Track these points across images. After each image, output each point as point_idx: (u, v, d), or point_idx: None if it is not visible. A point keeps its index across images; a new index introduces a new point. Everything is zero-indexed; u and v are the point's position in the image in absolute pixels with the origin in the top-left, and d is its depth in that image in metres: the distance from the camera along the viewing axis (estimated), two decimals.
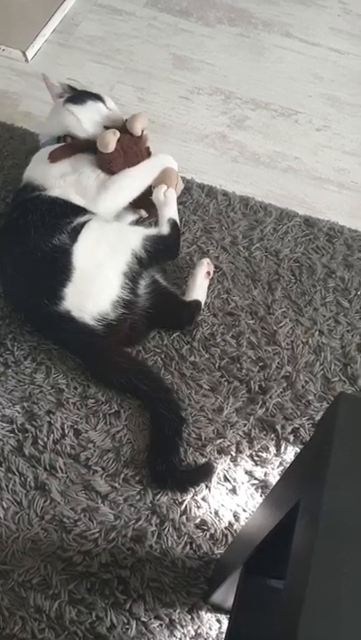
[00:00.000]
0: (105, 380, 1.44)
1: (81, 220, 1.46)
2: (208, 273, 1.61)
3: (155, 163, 1.61)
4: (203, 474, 1.33)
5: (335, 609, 0.56)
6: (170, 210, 1.54)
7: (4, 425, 1.37)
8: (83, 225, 1.45)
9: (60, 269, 1.40)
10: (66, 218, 1.45)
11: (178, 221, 1.56)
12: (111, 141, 1.52)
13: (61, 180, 1.53)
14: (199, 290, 1.57)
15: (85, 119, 1.61)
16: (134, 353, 1.50)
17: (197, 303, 1.55)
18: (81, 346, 1.43)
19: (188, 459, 1.36)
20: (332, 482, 0.62)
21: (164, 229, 1.52)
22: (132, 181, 1.57)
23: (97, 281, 1.41)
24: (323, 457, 0.64)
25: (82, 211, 1.49)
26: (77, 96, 1.66)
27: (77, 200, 1.51)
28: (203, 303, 1.57)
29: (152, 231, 1.52)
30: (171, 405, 1.38)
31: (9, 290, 1.54)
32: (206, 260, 1.62)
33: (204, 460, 1.36)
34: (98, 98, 1.66)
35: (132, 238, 1.47)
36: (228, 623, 1.03)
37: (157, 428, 1.37)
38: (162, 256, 1.53)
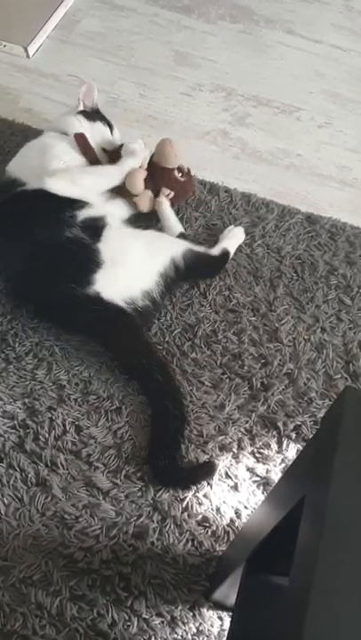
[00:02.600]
0: (124, 359, 1.45)
1: (85, 212, 1.48)
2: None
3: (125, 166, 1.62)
4: (205, 472, 1.33)
5: (341, 607, 0.55)
6: (232, 244, 1.66)
7: (6, 421, 1.37)
8: (93, 220, 1.48)
9: (85, 259, 1.43)
10: (64, 211, 1.47)
11: (231, 255, 1.65)
12: (139, 183, 1.60)
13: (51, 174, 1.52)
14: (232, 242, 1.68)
15: (88, 134, 1.63)
16: None
17: (227, 252, 1.64)
18: (108, 324, 1.43)
19: (189, 455, 1.35)
20: (337, 478, 0.61)
21: (216, 251, 1.61)
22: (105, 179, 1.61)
23: (130, 270, 1.46)
24: (328, 452, 0.64)
25: (75, 202, 1.49)
26: (91, 113, 1.70)
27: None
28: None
29: (199, 247, 1.59)
30: (176, 402, 1.38)
31: (13, 284, 1.54)
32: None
33: (205, 456, 1.35)
34: (108, 124, 1.72)
35: (173, 246, 1.54)
36: (231, 620, 1.02)
37: (160, 425, 1.36)
38: (200, 271, 1.60)
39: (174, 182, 1.65)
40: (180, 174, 1.66)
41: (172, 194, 1.66)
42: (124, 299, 1.43)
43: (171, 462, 1.32)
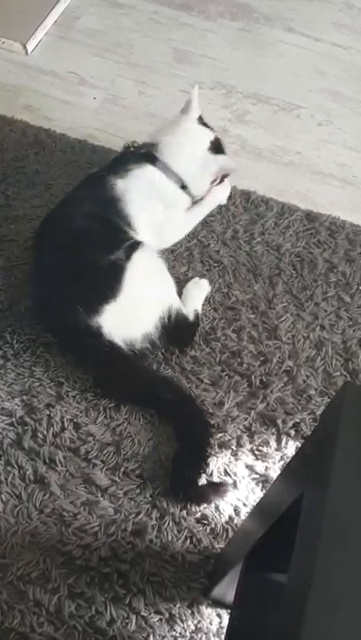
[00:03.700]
0: (123, 396, 1.40)
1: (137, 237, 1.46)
2: None
3: (214, 201, 1.71)
4: (216, 492, 1.30)
5: (340, 604, 0.55)
6: (198, 301, 1.56)
7: (4, 418, 1.36)
8: (137, 243, 1.44)
9: (108, 286, 1.37)
10: (125, 237, 1.45)
11: (199, 315, 1.55)
12: None
13: (149, 232, 1.52)
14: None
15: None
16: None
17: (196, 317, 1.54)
18: (101, 362, 1.38)
19: None
20: (337, 473, 0.61)
21: (191, 316, 1.52)
22: (195, 219, 1.67)
23: (138, 309, 1.41)
24: (328, 448, 0.63)
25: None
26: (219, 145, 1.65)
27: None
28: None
29: (185, 310, 1.50)
30: (196, 411, 1.37)
31: (44, 293, 1.46)
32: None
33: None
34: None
35: (174, 299, 1.47)
36: (230, 616, 1.02)
37: (185, 439, 1.34)
38: (179, 334, 1.48)
39: None
40: None
41: None
42: (125, 340, 1.37)
43: (193, 478, 1.30)
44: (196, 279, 1.60)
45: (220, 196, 1.74)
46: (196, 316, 1.53)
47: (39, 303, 1.48)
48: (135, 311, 1.40)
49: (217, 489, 1.31)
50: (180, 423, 1.37)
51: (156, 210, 1.53)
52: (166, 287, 1.47)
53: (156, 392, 1.38)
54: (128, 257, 1.40)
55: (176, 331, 1.46)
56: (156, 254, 1.49)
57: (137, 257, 1.40)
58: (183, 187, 1.57)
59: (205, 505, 1.29)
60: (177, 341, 1.49)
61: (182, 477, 1.29)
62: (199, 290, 1.58)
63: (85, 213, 1.45)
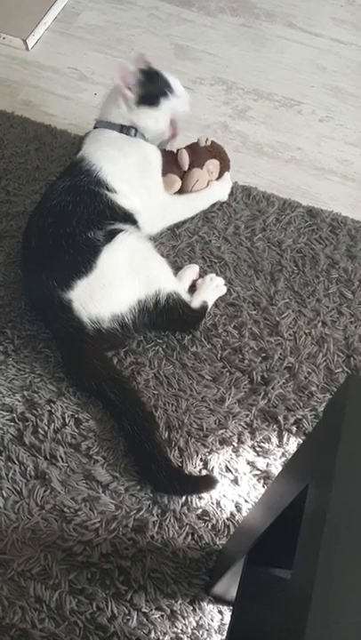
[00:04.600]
0: (77, 379, 1.41)
1: (122, 226, 1.45)
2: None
3: (212, 195, 1.72)
4: (204, 485, 1.30)
5: (345, 599, 0.54)
6: (210, 296, 1.56)
7: (5, 414, 1.36)
8: (120, 230, 1.44)
9: (82, 262, 1.38)
10: (112, 220, 1.45)
11: (208, 309, 1.55)
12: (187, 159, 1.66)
13: (129, 188, 1.53)
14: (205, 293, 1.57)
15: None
16: (134, 344, 1.49)
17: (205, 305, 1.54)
18: (66, 338, 1.40)
19: (189, 449, 1.34)
20: (341, 467, 0.60)
21: (195, 303, 1.51)
22: (190, 209, 1.70)
23: (109, 288, 1.40)
24: (332, 442, 0.63)
25: (129, 219, 1.50)
26: (149, 98, 1.61)
27: (132, 209, 1.52)
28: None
29: (186, 296, 1.50)
30: (135, 418, 1.32)
31: (29, 269, 1.49)
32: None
33: (205, 450, 1.35)
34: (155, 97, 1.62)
35: (168, 283, 1.45)
36: (232, 613, 1.02)
37: (128, 441, 1.33)
38: (175, 320, 1.47)
39: (216, 150, 1.71)
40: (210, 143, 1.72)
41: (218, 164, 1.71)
42: (90, 318, 1.37)
43: (164, 471, 1.28)
44: (214, 276, 1.60)
45: (220, 192, 1.73)
46: (203, 307, 1.53)
47: (26, 284, 1.52)
48: (106, 290, 1.39)
49: (206, 481, 1.30)
50: (122, 425, 1.34)
51: (127, 163, 1.55)
52: (153, 272, 1.45)
53: (102, 388, 1.36)
54: (110, 238, 1.41)
55: (172, 315, 1.45)
56: (142, 239, 1.48)
57: (119, 239, 1.41)
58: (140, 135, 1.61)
59: (196, 496, 1.28)
60: (174, 326, 1.50)
61: (157, 478, 1.28)
62: (216, 287, 1.58)
63: (61, 190, 1.49)
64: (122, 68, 1.56)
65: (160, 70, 1.62)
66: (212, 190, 1.71)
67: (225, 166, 1.74)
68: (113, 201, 1.49)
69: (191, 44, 2.21)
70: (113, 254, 1.40)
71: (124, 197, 1.51)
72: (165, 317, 1.45)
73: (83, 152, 1.57)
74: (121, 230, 1.43)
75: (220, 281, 1.59)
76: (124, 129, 1.59)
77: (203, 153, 1.69)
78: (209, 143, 1.72)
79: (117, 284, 1.40)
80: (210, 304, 1.55)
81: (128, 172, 1.54)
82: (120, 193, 1.51)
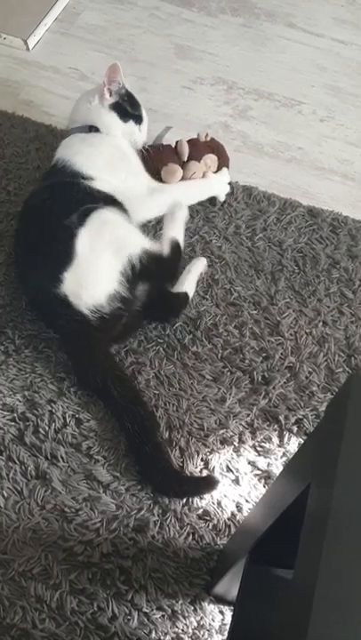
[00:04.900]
0: (82, 376, 1.40)
1: (98, 206, 1.45)
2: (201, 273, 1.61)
3: (208, 186, 1.71)
4: (205, 486, 1.30)
5: (347, 598, 0.54)
6: (175, 229, 1.55)
7: (5, 413, 1.36)
8: (92, 209, 1.43)
9: (63, 251, 1.39)
10: (91, 204, 1.45)
11: (181, 243, 1.55)
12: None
13: (106, 172, 1.54)
14: (191, 284, 1.56)
15: (119, 134, 1.65)
16: (135, 343, 1.49)
17: (186, 296, 1.53)
18: (71, 335, 1.40)
19: (190, 449, 1.34)
20: (343, 466, 0.60)
21: (165, 249, 1.51)
22: (184, 194, 1.67)
23: (94, 271, 1.39)
24: (335, 440, 0.63)
25: (110, 201, 1.50)
26: (122, 108, 1.65)
27: (118, 195, 1.53)
28: (191, 297, 1.55)
29: (155, 247, 1.49)
30: (137, 417, 1.32)
31: (21, 272, 1.52)
32: (205, 261, 1.61)
33: (206, 450, 1.34)
34: (137, 117, 1.68)
35: (133, 245, 1.45)
36: (233, 613, 1.02)
37: (129, 441, 1.33)
38: (154, 276, 1.47)
39: (215, 145, 1.74)
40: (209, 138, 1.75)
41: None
42: (89, 307, 1.36)
43: (165, 473, 1.28)
44: (171, 210, 1.60)
45: (217, 185, 1.73)
46: (175, 246, 1.52)
47: (23, 287, 1.53)
48: (91, 274, 1.39)
49: (207, 482, 1.30)
50: (124, 424, 1.33)
51: (99, 152, 1.58)
52: (118, 240, 1.44)
53: (106, 386, 1.35)
54: (82, 221, 1.41)
55: (154, 270, 1.45)
56: (114, 212, 1.47)
57: (91, 218, 1.41)
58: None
59: (196, 497, 1.28)
60: (161, 278, 1.51)
61: (156, 480, 1.29)
62: (172, 218, 1.57)
63: (38, 191, 1.54)
64: (114, 70, 1.60)
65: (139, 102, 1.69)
66: (209, 182, 1.72)
67: (223, 162, 1.76)
68: (91, 187, 1.50)
69: (192, 44, 2.21)
70: (86, 235, 1.40)
71: (104, 182, 1.52)
72: (147, 277, 1.44)
73: (56, 156, 1.61)
74: (93, 209, 1.43)
75: (176, 210, 1.59)
76: (93, 129, 1.62)
77: (201, 147, 1.72)
78: (209, 139, 1.74)
79: (98, 263, 1.40)
80: (180, 238, 1.56)
81: (102, 159, 1.57)
82: (97, 179, 1.52)
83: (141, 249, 1.44)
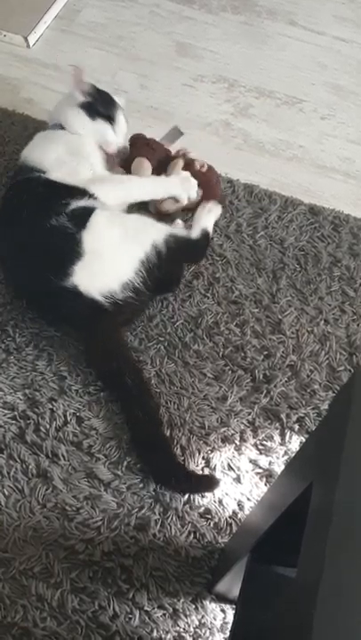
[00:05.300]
0: (96, 361, 1.42)
1: (80, 203, 1.44)
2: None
3: (165, 184, 1.64)
4: (206, 485, 1.30)
5: (351, 597, 0.54)
6: (208, 221, 1.56)
7: (6, 412, 1.35)
8: (84, 209, 1.43)
9: (66, 249, 1.39)
10: (61, 199, 1.44)
11: (210, 233, 1.57)
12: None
13: (55, 166, 1.53)
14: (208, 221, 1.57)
15: (86, 133, 1.63)
16: (136, 341, 1.48)
17: (206, 232, 1.55)
18: (85, 319, 1.40)
19: (191, 447, 1.34)
20: (346, 464, 0.60)
21: (195, 233, 1.52)
22: (133, 188, 1.62)
23: (108, 261, 1.41)
24: (337, 439, 0.63)
25: (79, 193, 1.48)
26: (92, 107, 1.63)
27: (77, 183, 1.51)
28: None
29: (181, 231, 1.52)
30: (146, 408, 1.34)
31: (10, 273, 1.53)
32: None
33: (208, 448, 1.34)
34: (110, 117, 1.65)
35: (155, 231, 1.47)
36: (235, 611, 1.01)
37: (135, 431, 1.34)
38: (183, 257, 1.55)
39: (206, 178, 1.66)
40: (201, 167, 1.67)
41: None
42: (103, 293, 1.38)
43: (168, 465, 1.29)
44: (205, 204, 1.59)
45: (175, 186, 1.63)
46: (204, 234, 1.54)
47: (18, 290, 1.53)
48: (106, 265, 1.41)
49: (208, 481, 1.29)
50: (128, 415, 1.36)
51: (53, 144, 1.58)
52: (138, 229, 1.46)
53: (121, 371, 1.36)
54: (80, 222, 1.41)
55: (177, 256, 1.50)
56: (109, 209, 1.49)
57: (93, 220, 1.41)
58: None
59: (201, 495, 1.28)
60: (184, 262, 1.58)
61: (159, 471, 1.30)
62: (209, 212, 1.58)
63: (4, 195, 1.55)
64: (77, 73, 1.63)
65: (114, 97, 1.68)
66: (168, 181, 1.64)
67: (208, 197, 1.63)
68: (50, 180, 1.49)
69: (193, 41, 2.21)
70: (93, 232, 1.40)
71: (64, 175, 1.52)
72: (173, 260, 1.48)
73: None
74: (83, 209, 1.43)
75: (211, 205, 1.59)
76: (56, 126, 1.64)
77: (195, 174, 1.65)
78: (205, 169, 1.67)
79: (115, 256, 1.42)
80: (210, 229, 1.56)
81: (53, 153, 1.56)
82: (48, 172, 1.51)
83: (166, 233, 1.46)
